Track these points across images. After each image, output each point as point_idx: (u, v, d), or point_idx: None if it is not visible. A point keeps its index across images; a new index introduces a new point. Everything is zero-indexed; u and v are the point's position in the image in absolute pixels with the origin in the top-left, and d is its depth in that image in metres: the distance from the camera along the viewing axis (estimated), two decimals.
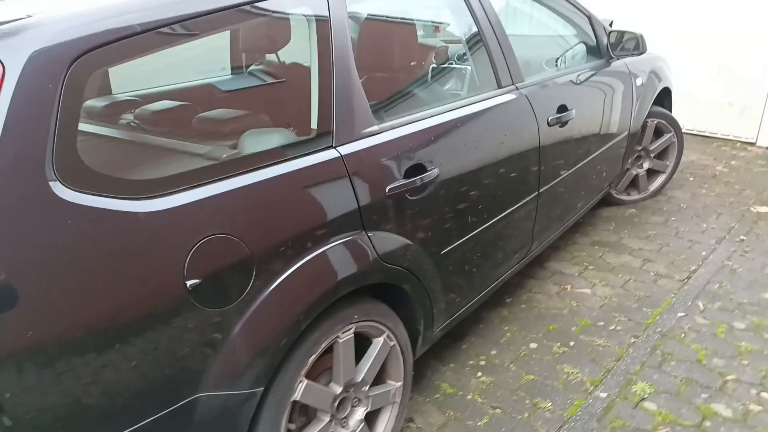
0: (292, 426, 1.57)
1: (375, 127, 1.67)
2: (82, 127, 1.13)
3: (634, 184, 3.83)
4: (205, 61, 2.08)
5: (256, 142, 1.46)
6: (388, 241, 1.67)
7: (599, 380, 2.22)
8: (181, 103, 1.73)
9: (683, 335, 2.47)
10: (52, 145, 1.04)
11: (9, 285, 0.98)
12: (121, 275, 1.11)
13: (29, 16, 1.11)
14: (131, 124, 1.66)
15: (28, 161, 1.01)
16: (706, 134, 5.22)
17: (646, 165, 3.77)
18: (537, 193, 2.41)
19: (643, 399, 2.11)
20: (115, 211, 1.11)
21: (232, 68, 2.19)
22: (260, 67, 2.17)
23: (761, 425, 1.95)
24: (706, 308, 2.66)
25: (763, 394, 2.09)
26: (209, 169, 1.30)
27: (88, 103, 1.75)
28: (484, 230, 2.09)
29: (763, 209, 3.69)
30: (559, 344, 2.45)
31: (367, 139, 1.63)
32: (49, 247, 1.02)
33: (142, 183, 1.18)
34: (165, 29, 1.26)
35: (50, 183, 1.03)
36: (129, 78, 1.82)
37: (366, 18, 2.09)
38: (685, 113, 5.21)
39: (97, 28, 1.14)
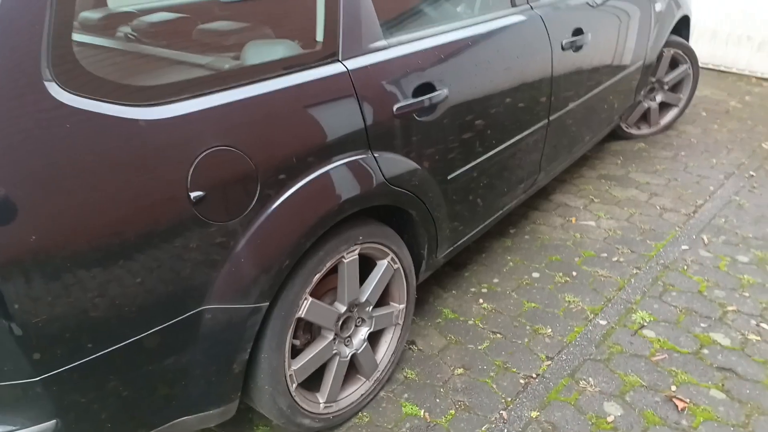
0: (297, 343, 1.60)
1: (383, 42, 1.60)
2: (81, 38, 1.08)
3: (644, 117, 3.74)
4: None
5: (260, 53, 1.40)
6: (394, 163, 1.63)
7: (599, 309, 2.25)
8: (182, 14, 1.65)
9: (686, 267, 2.47)
10: (48, 42, 0.98)
11: (2, 189, 0.96)
12: (123, 184, 1.08)
13: None
14: (129, 35, 1.59)
15: (21, 58, 0.95)
16: (722, 68, 5.06)
17: (659, 98, 3.67)
18: (546, 121, 2.35)
19: (642, 327, 2.14)
20: (115, 117, 1.07)
21: None
22: None
23: (758, 354, 1.98)
24: (710, 242, 2.65)
25: (763, 325, 2.12)
26: (211, 79, 1.25)
27: (85, 14, 1.68)
28: (491, 157, 2.05)
29: None
30: (561, 274, 2.46)
31: (374, 54, 1.56)
32: (44, 152, 0.98)
33: (142, 89, 1.13)
34: None
35: (46, 83, 0.98)
36: None
37: None
38: (700, 46, 5.05)
39: None
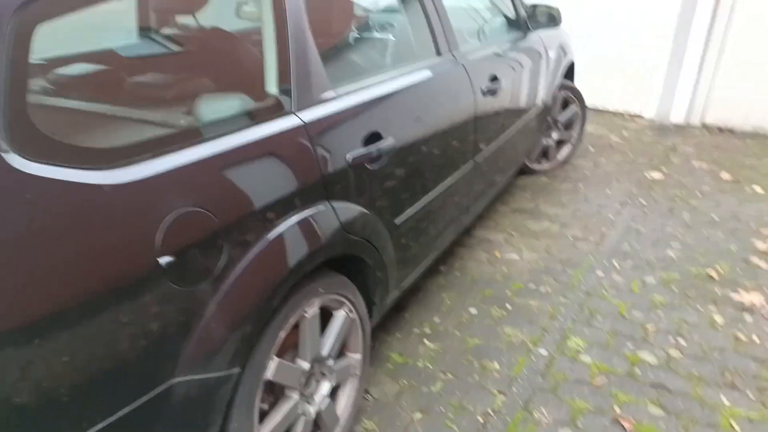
0: (264, 406, 1.50)
1: (332, 93, 1.61)
2: (33, 98, 0.97)
3: (544, 153, 4.03)
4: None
5: (215, 108, 1.34)
6: (350, 211, 1.62)
7: (538, 339, 2.34)
8: (129, 66, 1.55)
9: (605, 292, 2.66)
10: (3, 107, 0.88)
11: None
12: (89, 254, 0.98)
13: None
14: (78, 91, 1.45)
15: None
16: (598, 107, 5.60)
17: (556, 135, 3.99)
18: (473, 162, 2.46)
19: (578, 352, 2.25)
20: (79, 183, 0.97)
21: (184, 28, 1.96)
22: (212, 26, 1.97)
23: (682, 368, 2.16)
24: (620, 266, 2.88)
25: (680, 340, 2.32)
26: (171, 137, 1.18)
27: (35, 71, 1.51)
28: (432, 199, 2.11)
29: (656, 175, 4.05)
30: (496, 308, 2.55)
31: (325, 104, 1.56)
32: (6, 225, 0.87)
33: (103, 151, 1.04)
34: None
35: (4, 155, 0.88)
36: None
37: None
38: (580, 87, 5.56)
39: None
